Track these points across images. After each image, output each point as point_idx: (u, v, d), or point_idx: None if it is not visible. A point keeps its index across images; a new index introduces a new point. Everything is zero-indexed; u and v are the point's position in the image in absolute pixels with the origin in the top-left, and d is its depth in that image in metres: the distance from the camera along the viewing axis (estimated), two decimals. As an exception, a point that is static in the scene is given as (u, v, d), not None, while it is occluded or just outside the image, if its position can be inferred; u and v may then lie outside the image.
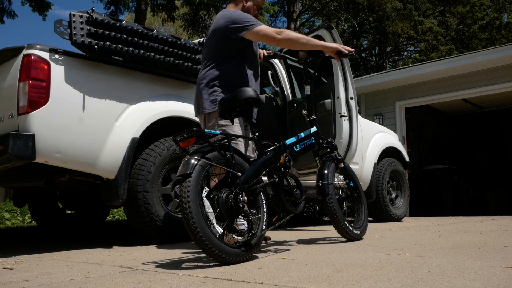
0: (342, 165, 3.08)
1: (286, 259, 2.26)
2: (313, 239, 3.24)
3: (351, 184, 3.13)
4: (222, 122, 2.69)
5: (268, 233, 2.68)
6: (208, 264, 2.14)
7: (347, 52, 2.79)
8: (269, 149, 2.63)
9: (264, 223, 2.36)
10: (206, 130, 2.23)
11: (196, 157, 2.15)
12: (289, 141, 2.78)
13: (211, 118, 2.74)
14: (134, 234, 4.35)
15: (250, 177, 2.31)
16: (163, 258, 2.47)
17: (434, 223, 4.99)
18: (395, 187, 5.80)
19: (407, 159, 6.09)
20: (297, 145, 2.82)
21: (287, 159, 2.66)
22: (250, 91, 2.49)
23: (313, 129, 2.99)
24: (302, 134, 2.94)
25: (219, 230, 2.14)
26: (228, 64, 2.76)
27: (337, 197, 2.93)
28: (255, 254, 2.37)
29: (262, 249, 2.67)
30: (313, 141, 2.97)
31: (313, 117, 3.05)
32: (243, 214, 2.25)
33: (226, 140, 2.34)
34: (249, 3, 2.93)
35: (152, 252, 2.80)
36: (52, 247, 3.31)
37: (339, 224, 2.89)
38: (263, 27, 2.70)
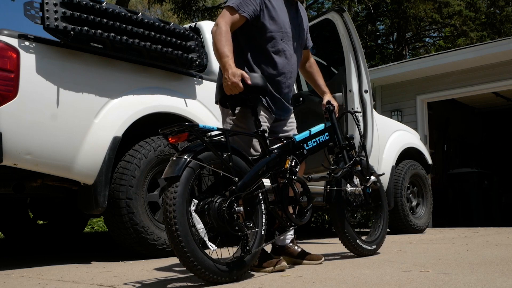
0: (359, 167, 3.02)
1: (291, 276, 2.26)
2: (322, 253, 3.24)
3: (368, 190, 3.06)
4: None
5: (268, 246, 2.63)
6: (199, 284, 2.14)
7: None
8: (275, 146, 2.59)
9: (262, 237, 2.34)
10: (201, 125, 2.20)
11: (186, 157, 2.11)
12: (299, 136, 2.70)
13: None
14: (115, 247, 4.35)
15: (248, 183, 2.28)
16: (148, 276, 2.47)
17: (461, 235, 5.00)
18: (416, 194, 5.80)
19: (429, 161, 6.09)
20: (309, 142, 2.73)
21: (293, 163, 2.57)
22: (257, 77, 2.43)
23: (327, 124, 2.90)
24: (318, 128, 2.84)
25: (211, 246, 2.10)
26: None
27: (349, 204, 2.91)
28: (251, 272, 2.37)
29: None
30: (327, 138, 2.89)
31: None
32: (237, 228, 2.20)
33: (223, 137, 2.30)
34: None
35: (136, 269, 2.80)
36: (22, 262, 3.31)
37: (346, 237, 2.86)
38: (224, 12, 2.52)
